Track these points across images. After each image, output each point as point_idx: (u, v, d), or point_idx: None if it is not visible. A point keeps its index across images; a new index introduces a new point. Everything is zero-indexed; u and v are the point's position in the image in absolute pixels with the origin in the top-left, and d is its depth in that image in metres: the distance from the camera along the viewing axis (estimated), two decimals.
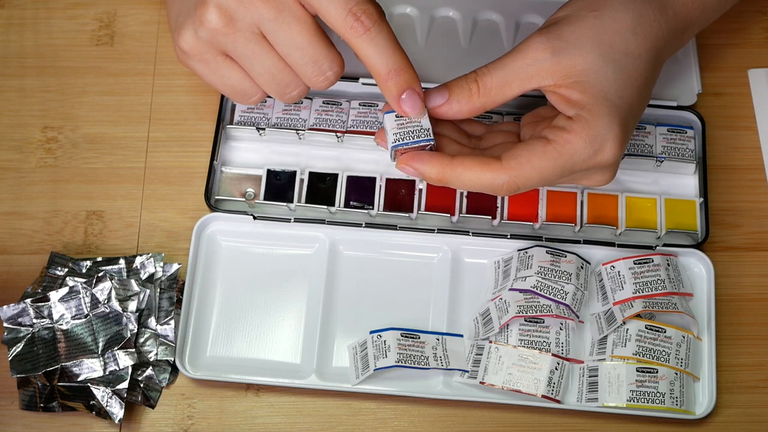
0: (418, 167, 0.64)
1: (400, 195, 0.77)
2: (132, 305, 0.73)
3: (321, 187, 0.77)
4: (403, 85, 0.62)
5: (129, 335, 0.72)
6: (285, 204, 0.76)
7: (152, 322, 0.74)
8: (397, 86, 0.62)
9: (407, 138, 0.64)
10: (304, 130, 0.78)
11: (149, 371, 0.73)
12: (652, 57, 0.65)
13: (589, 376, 0.72)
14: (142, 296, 0.73)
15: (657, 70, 0.67)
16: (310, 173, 0.78)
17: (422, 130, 0.64)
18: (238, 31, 0.61)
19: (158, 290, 0.75)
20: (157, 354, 0.73)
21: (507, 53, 0.65)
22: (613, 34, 0.64)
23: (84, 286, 0.72)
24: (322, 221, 0.76)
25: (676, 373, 0.71)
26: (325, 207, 0.76)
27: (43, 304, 0.72)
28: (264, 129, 0.78)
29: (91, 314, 0.72)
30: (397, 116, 0.64)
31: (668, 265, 0.74)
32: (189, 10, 0.62)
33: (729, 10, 0.75)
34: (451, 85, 0.65)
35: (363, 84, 0.79)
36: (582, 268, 0.75)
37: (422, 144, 0.64)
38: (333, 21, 0.59)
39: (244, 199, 0.77)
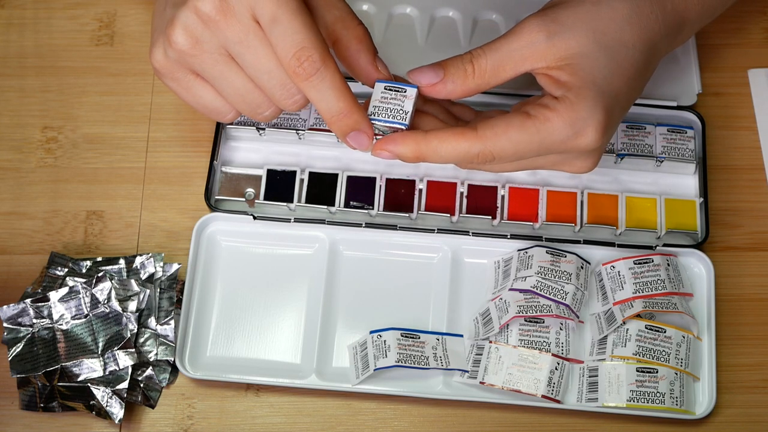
0: (393, 149, 0.64)
1: (400, 195, 0.77)
2: (132, 305, 0.73)
3: (322, 186, 0.77)
4: (345, 129, 0.62)
5: (129, 335, 0.72)
6: (285, 204, 0.76)
7: (152, 322, 0.74)
8: (340, 130, 0.62)
9: (383, 114, 0.63)
10: (304, 130, 0.78)
11: (149, 371, 0.73)
12: (646, 49, 0.65)
13: (589, 376, 0.72)
14: (142, 296, 0.73)
15: (651, 63, 0.66)
16: (310, 173, 0.78)
17: (401, 112, 0.64)
18: (204, 52, 0.60)
19: (158, 290, 0.75)
20: (157, 354, 0.73)
21: (502, 35, 0.64)
22: (608, 22, 0.64)
23: (84, 286, 0.72)
24: (322, 221, 0.76)
25: (676, 373, 0.71)
26: (325, 207, 0.76)
27: (43, 304, 0.72)
28: (264, 129, 0.78)
29: (91, 314, 0.72)
30: (386, 88, 0.64)
31: (668, 265, 0.74)
32: (162, 27, 0.62)
33: (729, 10, 0.75)
34: (447, 64, 0.64)
35: (362, 84, 0.79)
36: (582, 268, 0.75)
37: (394, 126, 0.63)
38: (281, 60, 0.59)
39: (244, 199, 0.77)
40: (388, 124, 0.63)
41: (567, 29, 0.63)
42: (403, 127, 0.63)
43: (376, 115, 0.63)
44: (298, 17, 0.58)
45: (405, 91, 0.64)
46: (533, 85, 0.66)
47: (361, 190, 0.77)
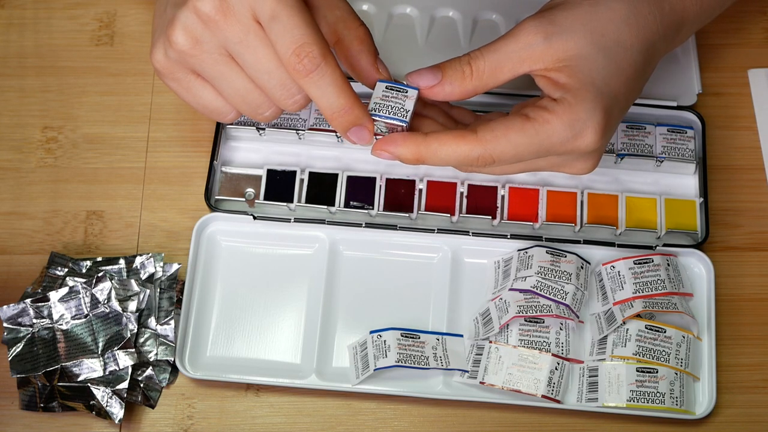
0: (393, 150, 0.64)
1: (400, 195, 0.77)
2: (132, 305, 0.73)
3: (322, 186, 0.77)
4: (346, 125, 0.62)
5: (129, 335, 0.72)
6: (285, 204, 0.76)
7: (152, 322, 0.74)
8: (341, 126, 0.62)
9: (384, 111, 0.64)
10: (304, 130, 0.78)
11: (149, 371, 0.73)
12: (644, 49, 0.65)
13: (589, 376, 0.72)
14: (142, 296, 0.73)
15: (650, 64, 0.66)
16: (310, 173, 0.78)
17: (401, 110, 0.64)
18: (204, 52, 0.60)
19: (158, 290, 0.75)
20: (157, 354, 0.73)
21: (500, 37, 0.64)
22: (606, 23, 0.64)
23: (84, 286, 0.72)
24: (322, 221, 0.76)
25: (676, 373, 0.71)
26: (325, 207, 0.76)
27: (43, 304, 0.72)
28: (264, 129, 0.78)
29: (91, 314, 0.72)
30: (387, 87, 0.64)
31: (668, 265, 0.74)
32: (162, 27, 0.62)
33: (729, 10, 0.75)
34: (445, 66, 0.64)
35: (363, 84, 0.79)
36: (582, 268, 0.75)
37: (394, 123, 0.64)
38: (281, 57, 0.59)
39: (244, 199, 0.77)
40: (388, 121, 0.63)
41: (565, 31, 0.63)
42: (403, 125, 0.63)
43: (377, 111, 0.64)
44: (298, 14, 0.58)
45: (406, 92, 0.64)
46: (533, 86, 0.66)
47: (361, 190, 0.77)
